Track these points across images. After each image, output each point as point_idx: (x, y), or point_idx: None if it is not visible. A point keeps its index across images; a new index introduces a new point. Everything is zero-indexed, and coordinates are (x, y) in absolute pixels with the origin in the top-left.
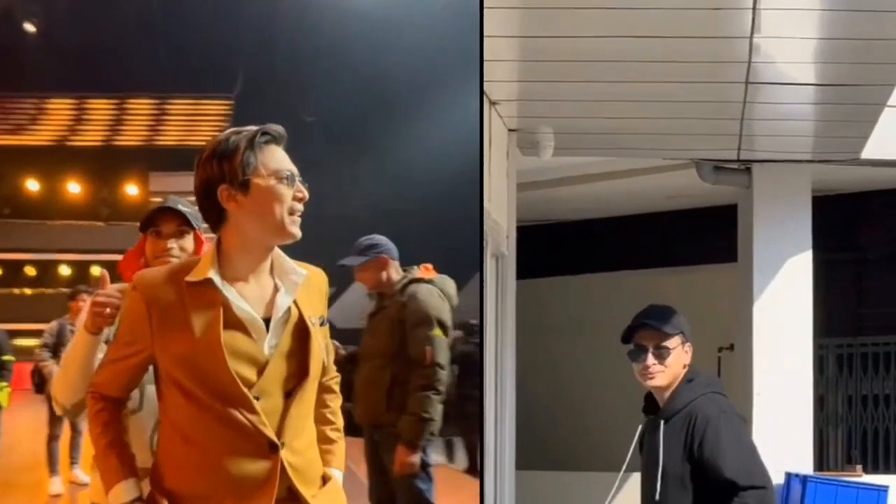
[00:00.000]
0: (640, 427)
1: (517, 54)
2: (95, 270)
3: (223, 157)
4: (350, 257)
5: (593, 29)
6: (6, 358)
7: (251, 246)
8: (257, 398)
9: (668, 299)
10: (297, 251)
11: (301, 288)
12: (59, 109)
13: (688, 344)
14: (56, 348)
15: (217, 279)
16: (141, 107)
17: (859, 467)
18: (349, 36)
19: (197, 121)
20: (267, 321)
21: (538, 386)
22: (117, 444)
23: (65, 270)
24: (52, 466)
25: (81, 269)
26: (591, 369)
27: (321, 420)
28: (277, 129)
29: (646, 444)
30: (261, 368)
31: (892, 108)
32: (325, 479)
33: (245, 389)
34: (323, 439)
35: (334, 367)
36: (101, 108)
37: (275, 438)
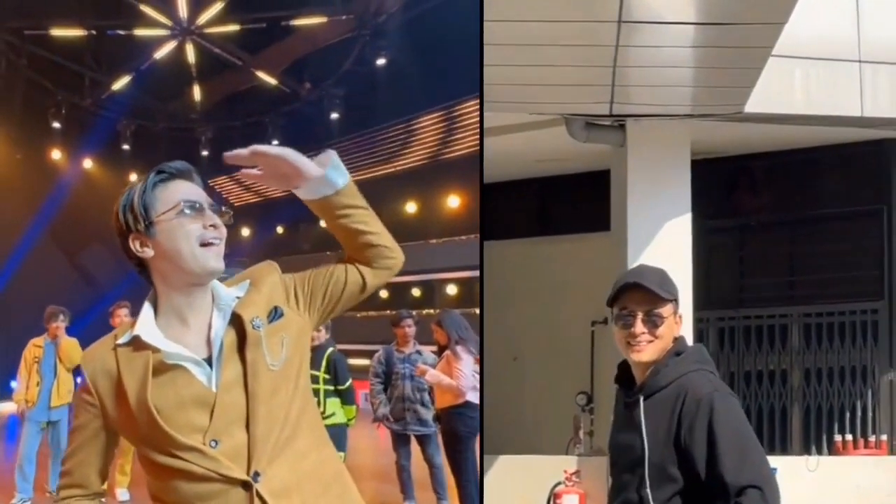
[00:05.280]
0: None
1: None
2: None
3: (124, 208)
4: None
5: None
6: (349, 385)
7: (176, 286)
8: (216, 441)
9: (539, 270)
10: None
11: (242, 300)
12: (424, 128)
13: (679, 314)
14: (387, 376)
15: (144, 332)
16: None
17: None
18: None
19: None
20: (211, 359)
21: None
22: None
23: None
24: (406, 492)
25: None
26: None
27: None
28: (176, 164)
29: (617, 424)
30: (211, 409)
31: (777, 57)
32: None
33: (184, 439)
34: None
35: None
36: (435, 125)
37: (242, 476)
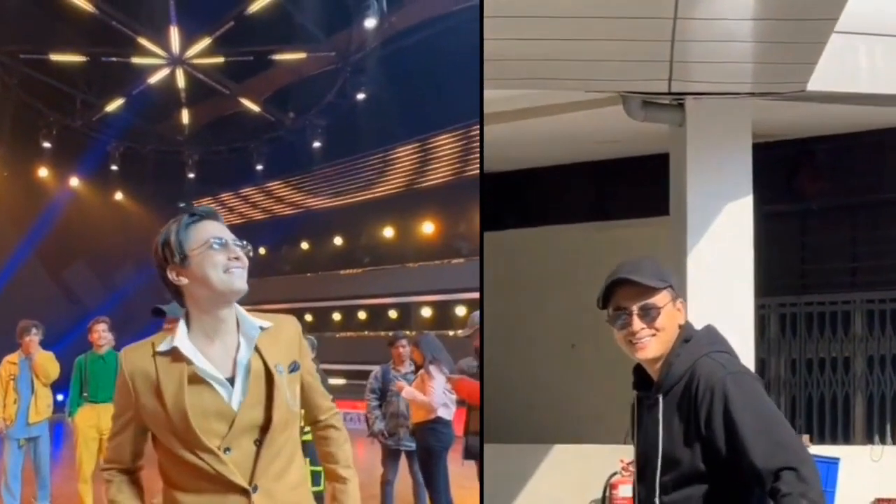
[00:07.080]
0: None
1: None
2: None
3: (163, 245)
4: None
5: None
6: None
7: (205, 309)
8: (228, 449)
9: (596, 256)
10: None
11: (266, 338)
12: (400, 158)
13: (680, 300)
14: (383, 393)
15: (182, 345)
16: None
17: (806, 437)
18: None
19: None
20: (234, 378)
21: None
22: None
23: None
24: None
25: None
26: (509, 330)
27: (327, 458)
28: (204, 208)
29: (642, 425)
30: (231, 422)
31: (841, 34)
32: None
33: (208, 443)
34: (333, 477)
35: (330, 406)
36: (409, 155)
37: (244, 485)
